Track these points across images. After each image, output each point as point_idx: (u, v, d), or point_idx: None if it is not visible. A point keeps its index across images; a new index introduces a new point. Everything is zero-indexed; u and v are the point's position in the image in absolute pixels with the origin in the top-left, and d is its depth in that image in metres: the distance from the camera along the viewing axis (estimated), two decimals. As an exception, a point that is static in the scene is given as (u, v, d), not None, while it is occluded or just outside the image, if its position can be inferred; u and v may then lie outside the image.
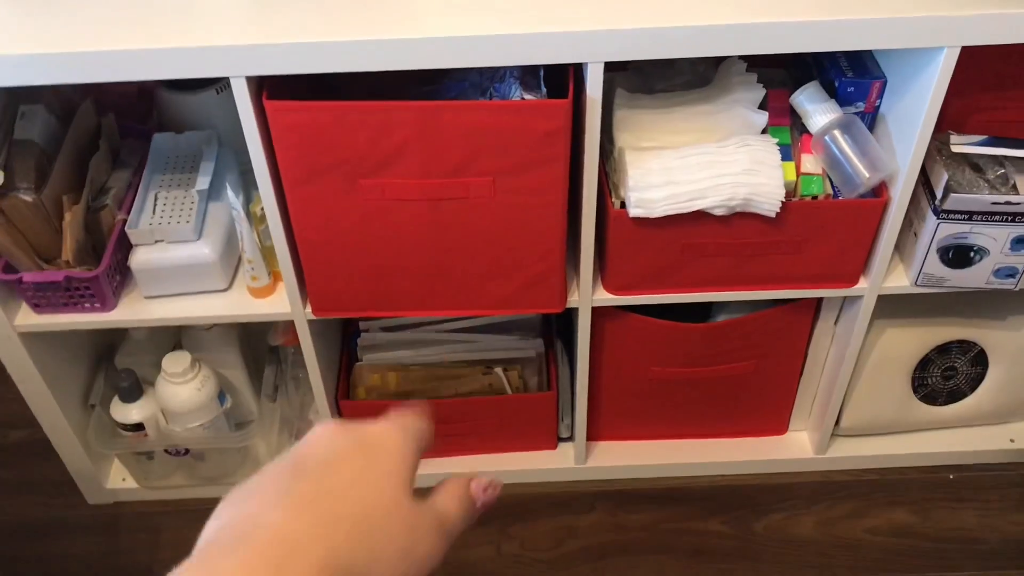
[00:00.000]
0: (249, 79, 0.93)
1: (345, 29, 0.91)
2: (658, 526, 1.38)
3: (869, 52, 1.10)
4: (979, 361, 1.36)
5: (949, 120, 1.10)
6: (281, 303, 1.16)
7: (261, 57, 0.91)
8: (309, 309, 1.16)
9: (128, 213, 1.14)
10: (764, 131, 1.10)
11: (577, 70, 0.97)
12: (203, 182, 1.15)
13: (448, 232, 1.06)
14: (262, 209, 1.05)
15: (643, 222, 1.08)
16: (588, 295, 1.17)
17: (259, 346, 1.39)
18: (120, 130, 1.26)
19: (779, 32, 0.91)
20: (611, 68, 0.95)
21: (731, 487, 1.42)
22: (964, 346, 1.33)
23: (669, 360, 1.29)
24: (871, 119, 1.10)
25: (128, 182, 1.19)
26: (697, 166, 1.05)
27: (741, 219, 1.08)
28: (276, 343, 1.30)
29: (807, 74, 1.12)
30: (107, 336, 1.38)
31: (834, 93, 1.08)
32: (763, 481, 1.43)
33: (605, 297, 1.18)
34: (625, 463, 1.42)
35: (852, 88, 1.08)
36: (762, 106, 1.12)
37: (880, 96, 1.08)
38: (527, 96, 1.00)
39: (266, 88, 0.95)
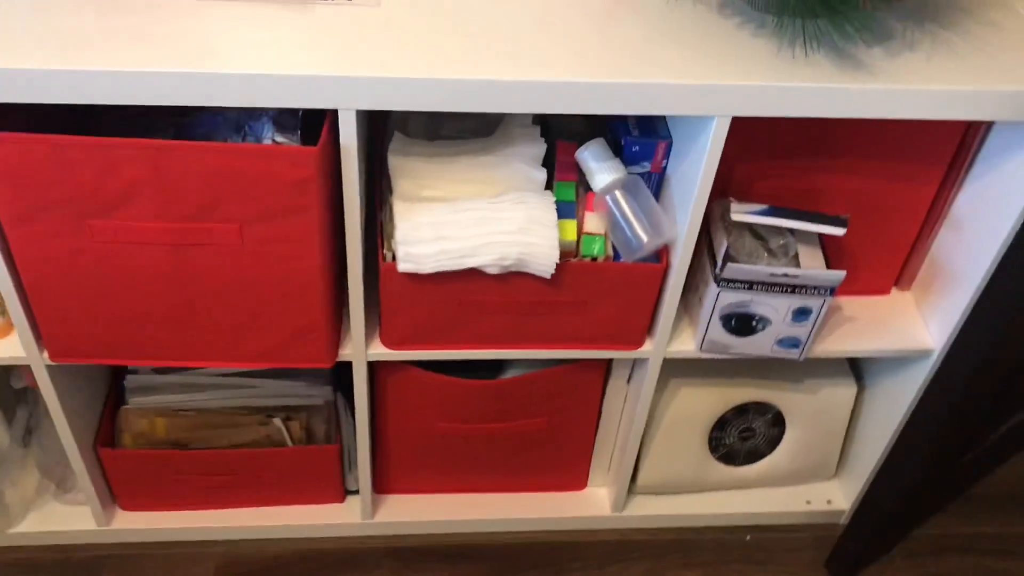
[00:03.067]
0: (-50, 105, 0.82)
1: (72, 58, 0.81)
2: (445, 586, 1.31)
3: (657, 111, 1.06)
4: (777, 422, 1.34)
5: (736, 185, 1.08)
6: (16, 346, 1.05)
7: (-39, 81, 0.80)
8: (47, 354, 1.05)
9: None
10: (550, 185, 1.05)
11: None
12: (-69, 208, 1.02)
13: (194, 280, 0.97)
14: (-13, 244, 0.94)
15: (415, 277, 1.01)
16: (361, 349, 1.09)
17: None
18: None
19: (534, 92, 0.86)
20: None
21: (526, 544, 1.36)
22: (761, 408, 1.31)
23: (455, 416, 1.23)
24: (658, 180, 1.06)
25: None
26: (469, 222, 0.99)
27: (519, 278, 1.03)
28: (20, 386, 1.18)
29: (603, 128, 1.07)
30: None
31: (620, 151, 1.04)
32: (560, 538, 1.38)
33: (382, 352, 1.11)
34: (416, 518, 1.35)
35: (637, 147, 1.04)
36: (549, 158, 1.07)
37: (667, 157, 1.05)
38: (279, 138, 0.93)
39: (-25, 115, 0.85)
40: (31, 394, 1.22)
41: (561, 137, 1.09)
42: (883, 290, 1.23)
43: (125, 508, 1.31)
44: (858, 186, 1.09)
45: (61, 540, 1.30)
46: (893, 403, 1.27)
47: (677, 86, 0.87)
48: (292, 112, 0.95)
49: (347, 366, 1.13)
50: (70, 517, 1.30)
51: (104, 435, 1.24)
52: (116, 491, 1.29)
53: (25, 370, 1.15)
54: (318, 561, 1.32)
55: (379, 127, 1.08)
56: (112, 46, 0.83)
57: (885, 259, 1.19)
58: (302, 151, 0.88)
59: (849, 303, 1.22)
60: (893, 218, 1.13)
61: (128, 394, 1.25)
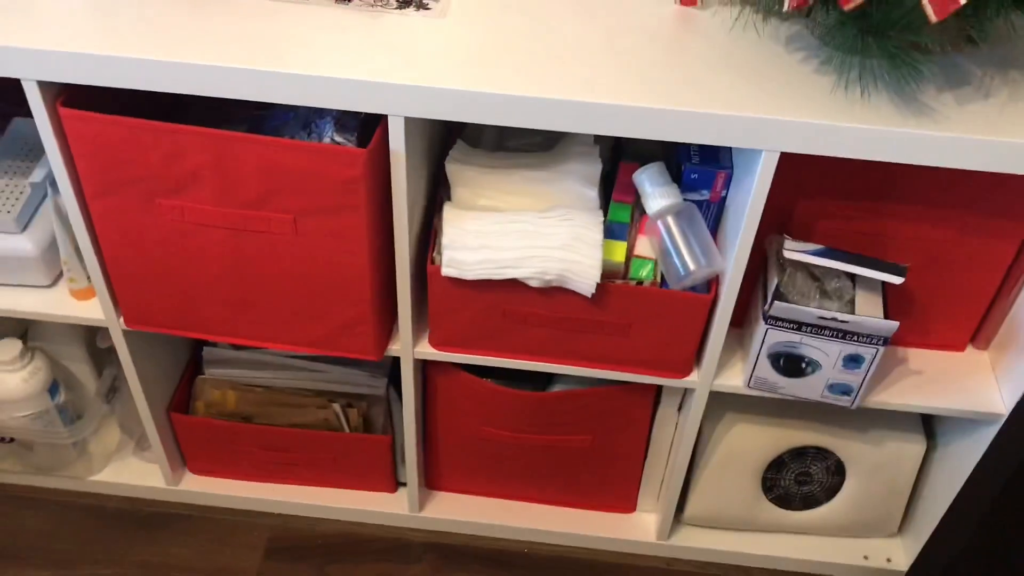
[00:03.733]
0: (43, 84, 0.90)
1: (139, 47, 0.88)
2: (480, 589, 1.33)
3: (722, 140, 1.05)
4: (837, 471, 1.29)
5: (797, 222, 1.05)
6: (97, 309, 1.13)
7: (52, 63, 0.88)
8: (123, 320, 1.13)
9: (-41, 196, 1.12)
10: (607, 205, 1.06)
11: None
12: (39, 174, 1.12)
13: (252, 264, 1.02)
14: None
15: (460, 283, 1.04)
16: (409, 347, 1.13)
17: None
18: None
19: (573, 111, 0.87)
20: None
21: (566, 559, 1.37)
22: (820, 453, 1.27)
23: (501, 423, 1.24)
24: (718, 210, 1.05)
25: (-27, 164, 1.18)
26: (515, 234, 1.00)
27: (563, 294, 1.04)
28: (104, 346, 1.27)
29: (682, 152, 1.06)
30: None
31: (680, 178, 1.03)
32: (602, 558, 1.37)
33: (429, 351, 1.14)
34: (462, 517, 1.37)
35: (696, 175, 1.03)
36: (610, 178, 1.08)
37: (726, 187, 1.03)
38: (338, 138, 0.97)
39: (64, 94, 0.93)
40: (117, 355, 1.32)
41: (632, 159, 1.09)
42: (957, 346, 1.17)
43: (193, 471, 1.40)
44: (930, 235, 1.05)
45: (133, 493, 1.39)
46: (961, 465, 1.20)
47: (722, 117, 0.86)
48: (355, 114, 0.99)
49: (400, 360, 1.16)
50: (144, 473, 1.39)
51: (179, 401, 1.32)
52: (186, 454, 1.37)
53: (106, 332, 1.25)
54: (364, 546, 1.37)
55: (456, 134, 1.11)
56: (189, 42, 0.89)
57: (959, 314, 1.13)
58: (351, 152, 0.91)
59: (918, 355, 1.17)
60: (968, 272, 1.08)
61: (205, 365, 1.33)
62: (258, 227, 0.99)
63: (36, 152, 1.18)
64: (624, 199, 1.07)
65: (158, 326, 1.13)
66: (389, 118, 0.90)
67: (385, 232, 1.01)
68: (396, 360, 1.33)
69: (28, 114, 0.94)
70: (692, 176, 1.03)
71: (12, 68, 0.89)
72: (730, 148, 1.04)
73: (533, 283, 1.02)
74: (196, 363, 1.34)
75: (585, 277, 1.00)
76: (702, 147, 1.04)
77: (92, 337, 1.34)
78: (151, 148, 0.93)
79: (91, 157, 0.95)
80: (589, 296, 1.02)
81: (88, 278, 1.12)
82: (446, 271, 1.02)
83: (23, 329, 1.33)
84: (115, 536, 1.36)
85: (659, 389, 1.21)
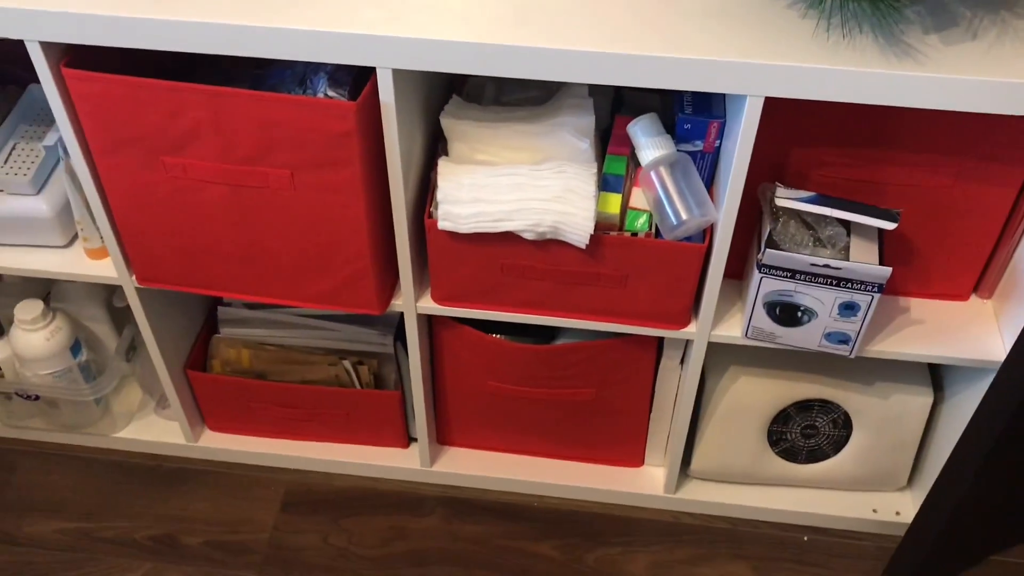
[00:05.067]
0: (46, 44, 0.93)
1: (136, 6, 0.91)
2: (490, 541, 1.36)
3: (715, 90, 1.05)
4: (843, 424, 1.30)
5: (792, 171, 1.05)
6: (111, 268, 1.17)
7: (53, 24, 0.91)
8: (135, 277, 1.17)
9: (-20, 160, 1.16)
10: (603, 158, 1.07)
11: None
12: (52, 137, 1.16)
13: (254, 219, 1.05)
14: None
15: (458, 236, 1.06)
16: (411, 302, 1.15)
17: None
18: (9, 78, 1.29)
19: (548, 59, 0.88)
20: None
21: (575, 512, 1.39)
22: (826, 406, 1.27)
23: (505, 377, 1.26)
24: (713, 160, 1.06)
25: (-10, 129, 1.22)
26: (507, 187, 1.02)
27: (559, 246, 1.05)
28: (121, 305, 1.31)
29: (676, 103, 1.06)
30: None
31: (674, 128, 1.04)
32: (610, 511, 1.39)
33: (431, 306, 1.16)
34: (472, 472, 1.40)
35: (689, 126, 1.03)
36: (607, 132, 1.09)
37: (720, 137, 1.04)
38: (331, 93, 0.99)
39: (69, 56, 0.96)
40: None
41: (630, 112, 1.09)
42: (961, 296, 1.16)
43: (212, 428, 1.44)
44: (927, 183, 1.04)
45: (155, 450, 1.44)
46: (967, 416, 1.20)
47: (705, 62, 0.87)
48: (348, 69, 1.01)
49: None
50: (165, 431, 1.44)
51: (195, 359, 1.36)
52: (204, 412, 1.42)
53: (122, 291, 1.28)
54: (377, 500, 1.40)
55: (459, 89, 1.13)
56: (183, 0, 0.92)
57: (961, 263, 1.12)
58: (341, 105, 0.93)
59: (921, 305, 1.16)
60: (967, 220, 1.07)
61: (220, 324, 1.36)
62: (257, 182, 1.01)
63: (50, 117, 1.22)
64: (620, 151, 1.08)
65: (168, 283, 1.16)
66: (378, 71, 0.92)
67: (382, 186, 1.03)
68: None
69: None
70: (685, 126, 1.03)
71: (15, 29, 0.92)
72: (723, 98, 1.04)
73: (527, 235, 1.03)
74: (212, 322, 1.37)
75: (578, 229, 1.02)
76: (696, 97, 1.04)
77: (111, 297, 1.38)
78: (152, 106, 0.96)
79: (95, 117, 0.98)
80: (583, 247, 1.03)
81: (101, 237, 1.16)
82: (442, 224, 1.04)
83: (46, 291, 1.38)
84: (138, 491, 1.40)
85: (661, 342, 1.22)
